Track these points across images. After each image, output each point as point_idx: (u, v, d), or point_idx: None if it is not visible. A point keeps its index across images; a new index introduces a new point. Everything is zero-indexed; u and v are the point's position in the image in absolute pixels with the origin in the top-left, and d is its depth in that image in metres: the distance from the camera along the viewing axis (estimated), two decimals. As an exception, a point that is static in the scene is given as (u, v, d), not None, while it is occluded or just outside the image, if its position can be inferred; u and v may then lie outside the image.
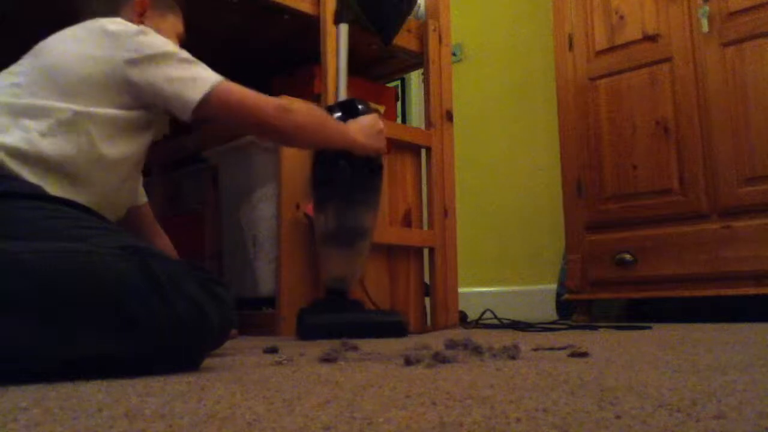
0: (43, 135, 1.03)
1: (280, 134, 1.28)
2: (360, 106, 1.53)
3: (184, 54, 1.17)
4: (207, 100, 1.13)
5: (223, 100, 1.16)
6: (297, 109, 1.27)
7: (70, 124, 1.05)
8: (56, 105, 1.05)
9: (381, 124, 1.48)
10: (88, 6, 1.22)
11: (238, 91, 1.18)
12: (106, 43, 1.11)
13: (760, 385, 0.61)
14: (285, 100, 1.26)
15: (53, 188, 1.01)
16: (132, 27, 1.14)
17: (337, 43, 1.78)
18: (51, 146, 1.03)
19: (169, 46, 1.16)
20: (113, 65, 1.10)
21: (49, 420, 0.48)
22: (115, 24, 1.13)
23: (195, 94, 1.13)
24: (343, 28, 1.80)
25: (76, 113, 1.06)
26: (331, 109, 1.60)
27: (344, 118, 1.49)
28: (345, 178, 1.49)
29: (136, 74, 1.11)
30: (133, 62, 1.10)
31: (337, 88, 1.77)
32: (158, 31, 1.22)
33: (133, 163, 1.18)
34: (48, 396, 0.61)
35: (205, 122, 1.19)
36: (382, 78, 2.43)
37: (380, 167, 1.54)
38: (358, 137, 1.42)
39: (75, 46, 1.11)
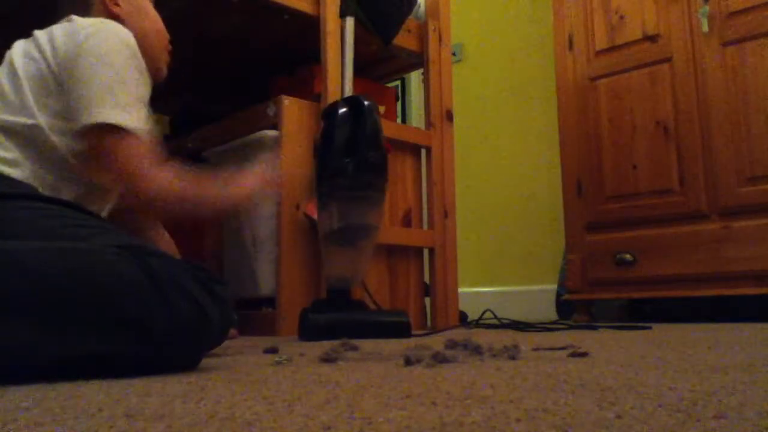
0: (16, 147, 1.01)
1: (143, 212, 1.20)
2: (366, 103, 1.52)
3: (132, 83, 1.05)
4: (101, 134, 1.00)
5: (116, 151, 1.01)
6: (165, 199, 1.08)
7: (31, 139, 1.02)
8: (18, 121, 1.02)
9: (265, 176, 1.24)
10: (60, 6, 1.18)
11: (137, 154, 1.02)
12: (60, 42, 1.05)
13: (760, 385, 0.61)
14: (165, 189, 1.07)
15: (42, 187, 1.01)
16: (96, 21, 1.08)
17: (343, 36, 1.76)
18: (24, 162, 1.01)
19: (124, 64, 1.04)
20: (58, 61, 1.04)
21: (49, 420, 0.48)
22: (74, 20, 1.08)
23: (94, 117, 1.00)
24: (349, 21, 1.78)
25: (32, 126, 1.02)
26: (337, 105, 1.58)
27: (349, 114, 1.48)
28: (348, 175, 1.48)
29: (71, 65, 1.03)
30: (74, 55, 1.03)
31: (342, 83, 1.76)
32: (137, 11, 1.19)
33: None
34: (48, 396, 0.61)
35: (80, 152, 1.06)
36: (382, 78, 2.43)
37: (385, 166, 1.54)
38: (246, 194, 1.21)
39: (31, 52, 1.07)
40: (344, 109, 1.53)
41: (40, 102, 1.04)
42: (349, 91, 1.73)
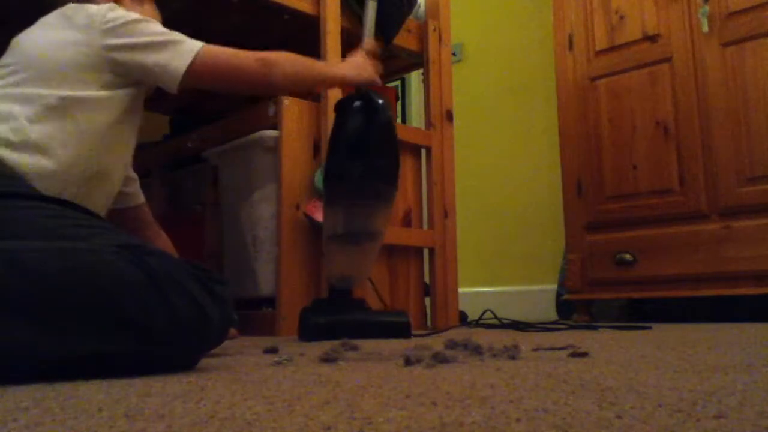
0: (30, 120, 1.04)
1: (268, 88, 1.35)
2: (380, 101, 1.46)
3: (159, 26, 1.18)
4: (193, 68, 1.15)
5: (209, 65, 1.18)
6: (278, 59, 1.28)
7: (56, 109, 1.06)
8: (42, 92, 1.06)
9: (368, 63, 1.50)
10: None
11: (221, 52, 1.21)
12: (79, 25, 1.12)
13: (760, 385, 0.61)
14: (266, 53, 1.27)
15: (43, 176, 1.02)
16: (102, 6, 1.15)
17: (365, 19, 1.73)
18: (38, 131, 1.04)
19: (142, 19, 1.17)
20: (91, 45, 1.11)
21: (49, 420, 0.48)
22: (85, 6, 1.14)
23: (180, 63, 1.14)
24: (372, 3, 1.74)
25: (62, 98, 1.07)
26: (350, 99, 1.52)
27: (362, 111, 1.45)
28: (355, 180, 1.43)
29: (115, 50, 1.12)
30: (110, 39, 1.11)
31: None
32: (132, 7, 1.23)
33: (122, 142, 1.19)
34: (48, 396, 0.61)
35: (191, 88, 1.23)
36: (382, 78, 2.42)
37: (395, 174, 1.49)
38: (346, 72, 1.44)
39: (50, 34, 1.13)
40: (357, 105, 1.45)
41: (78, 76, 1.09)
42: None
